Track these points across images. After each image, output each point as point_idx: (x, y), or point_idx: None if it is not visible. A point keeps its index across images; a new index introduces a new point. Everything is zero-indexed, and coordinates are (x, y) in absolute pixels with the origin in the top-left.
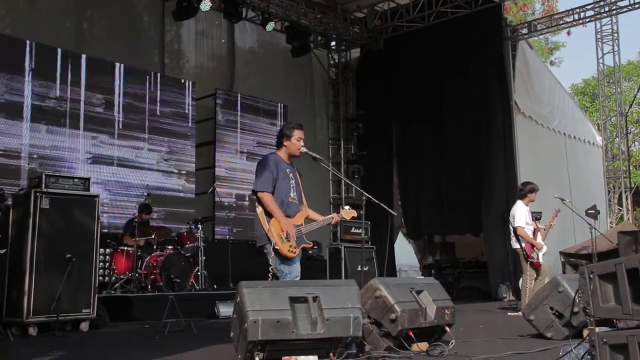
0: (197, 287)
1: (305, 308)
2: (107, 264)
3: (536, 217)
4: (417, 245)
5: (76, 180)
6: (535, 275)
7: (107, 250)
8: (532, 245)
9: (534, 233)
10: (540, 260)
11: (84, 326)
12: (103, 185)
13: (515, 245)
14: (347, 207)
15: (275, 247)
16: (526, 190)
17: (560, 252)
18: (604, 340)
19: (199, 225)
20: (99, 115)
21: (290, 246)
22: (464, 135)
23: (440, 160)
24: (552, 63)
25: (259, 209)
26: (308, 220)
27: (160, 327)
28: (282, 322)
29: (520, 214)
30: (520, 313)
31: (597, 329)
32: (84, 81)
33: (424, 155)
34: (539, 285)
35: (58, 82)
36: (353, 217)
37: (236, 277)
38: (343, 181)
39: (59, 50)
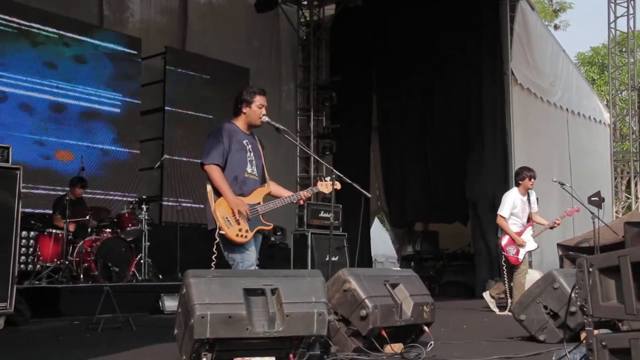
0: (139, 278)
1: (262, 302)
2: (31, 249)
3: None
4: (395, 234)
5: None
6: (526, 270)
7: (32, 234)
8: (512, 240)
9: (525, 227)
10: (520, 257)
11: None
12: None
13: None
14: (328, 178)
15: (220, 232)
16: (521, 177)
17: (558, 245)
18: (603, 343)
19: (143, 206)
20: None
21: (240, 229)
22: (454, 107)
23: (426, 137)
24: (556, 27)
25: (209, 187)
26: (271, 197)
27: (93, 324)
28: (235, 318)
29: (507, 202)
30: (509, 312)
31: (595, 331)
32: None
33: (408, 131)
34: (519, 282)
35: None
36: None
37: (185, 267)
38: (312, 158)
39: None
